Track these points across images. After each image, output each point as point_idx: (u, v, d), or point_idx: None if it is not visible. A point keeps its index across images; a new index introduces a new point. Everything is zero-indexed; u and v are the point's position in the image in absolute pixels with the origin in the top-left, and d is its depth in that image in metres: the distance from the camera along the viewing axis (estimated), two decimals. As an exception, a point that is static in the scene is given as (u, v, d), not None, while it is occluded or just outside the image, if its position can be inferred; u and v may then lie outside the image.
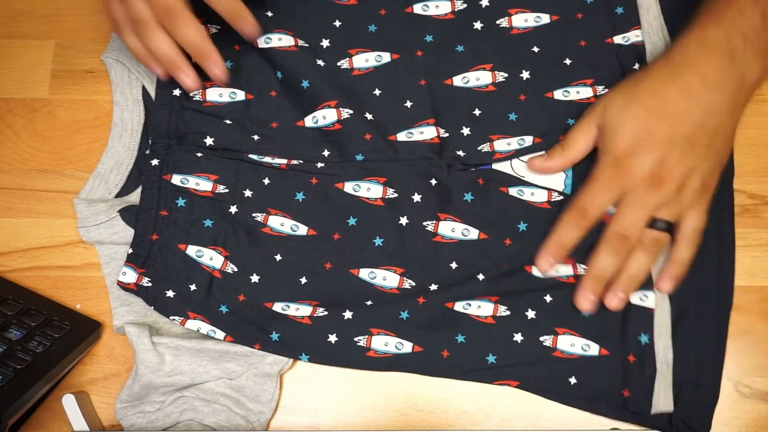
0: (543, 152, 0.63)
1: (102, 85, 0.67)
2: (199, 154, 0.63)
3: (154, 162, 0.63)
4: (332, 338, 0.60)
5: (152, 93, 0.65)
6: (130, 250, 0.61)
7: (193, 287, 0.60)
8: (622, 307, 0.58)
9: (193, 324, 0.60)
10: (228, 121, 0.64)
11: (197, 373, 0.59)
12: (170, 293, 0.60)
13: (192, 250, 0.61)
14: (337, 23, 0.66)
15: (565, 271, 0.61)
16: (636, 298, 0.60)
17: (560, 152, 0.61)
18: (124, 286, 0.60)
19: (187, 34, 0.58)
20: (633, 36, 0.65)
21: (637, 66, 0.64)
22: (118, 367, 0.62)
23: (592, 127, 0.60)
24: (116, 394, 0.61)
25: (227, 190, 0.62)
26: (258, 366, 0.59)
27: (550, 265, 0.59)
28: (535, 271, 0.61)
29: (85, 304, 0.63)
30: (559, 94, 0.64)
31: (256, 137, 0.63)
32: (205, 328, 0.60)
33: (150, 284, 0.60)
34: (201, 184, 0.62)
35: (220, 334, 0.59)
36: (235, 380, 0.59)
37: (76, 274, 0.63)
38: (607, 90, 0.63)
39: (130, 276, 0.60)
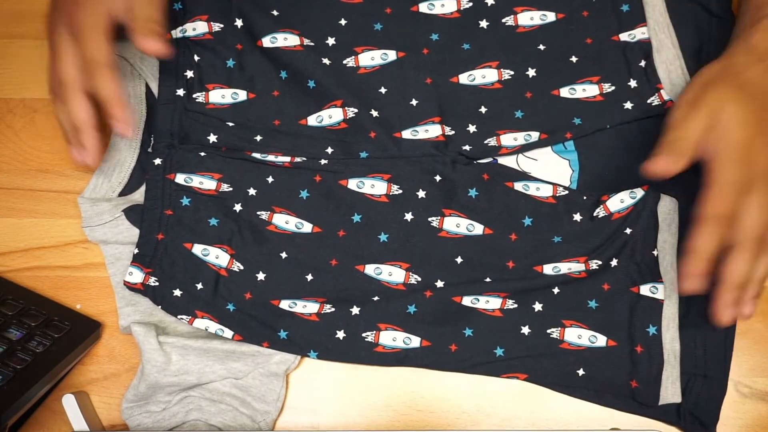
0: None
1: (102, 85, 0.67)
2: (203, 153, 0.63)
3: (157, 161, 0.62)
4: (340, 335, 0.60)
5: (155, 90, 0.65)
6: (136, 250, 0.61)
7: (200, 286, 0.60)
8: (753, 312, 0.55)
9: (201, 323, 0.60)
10: (230, 124, 0.64)
11: (203, 372, 0.59)
12: (177, 292, 0.60)
13: (198, 249, 0.61)
14: (343, 22, 0.66)
15: (577, 269, 0.61)
16: (646, 290, 0.60)
17: (678, 154, 0.56)
18: (130, 287, 0.60)
19: (101, 83, 0.55)
20: (639, 33, 0.65)
21: (643, 63, 0.64)
22: (118, 367, 0.62)
23: (700, 120, 0.55)
24: (116, 394, 0.61)
25: (231, 189, 0.62)
26: (264, 365, 0.59)
27: (698, 284, 0.54)
28: (546, 270, 0.61)
29: (85, 304, 0.63)
30: (565, 92, 0.64)
31: (258, 138, 0.63)
32: (213, 326, 0.60)
33: (157, 284, 0.60)
34: (205, 182, 0.62)
35: (228, 333, 0.60)
36: (241, 380, 0.59)
37: (76, 274, 0.63)
38: (613, 87, 0.64)
39: (137, 276, 0.60)
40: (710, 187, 0.54)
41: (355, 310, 0.60)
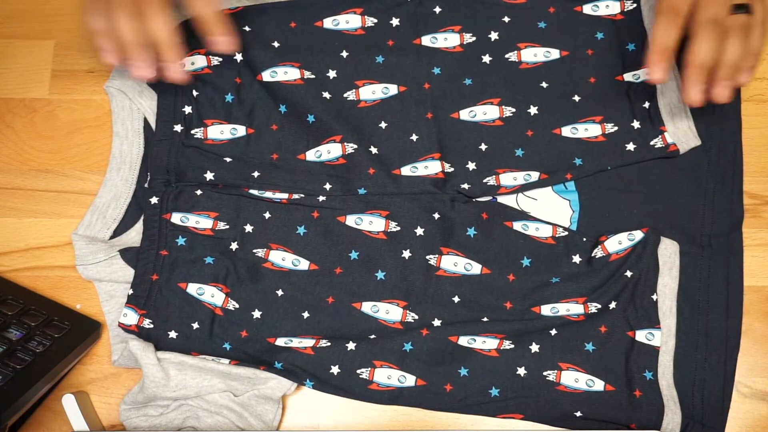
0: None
1: (102, 86, 0.67)
2: (199, 192, 0.62)
3: (154, 200, 0.62)
4: (334, 370, 0.60)
5: (153, 125, 0.64)
6: (131, 291, 0.61)
7: (195, 326, 0.60)
8: (732, 96, 0.58)
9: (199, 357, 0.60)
10: (228, 159, 0.63)
11: (202, 386, 0.59)
12: (173, 334, 0.60)
13: (193, 288, 0.61)
14: (345, 54, 0.65)
15: (576, 310, 0.61)
16: (642, 336, 0.60)
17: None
18: (125, 328, 0.60)
19: (155, 27, 0.56)
20: (643, 74, 0.63)
21: (647, 104, 0.63)
22: (119, 368, 0.62)
23: None
24: (116, 394, 0.61)
25: (227, 227, 0.62)
26: (260, 389, 0.59)
27: (665, 71, 0.57)
28: (543, 311, 0.61)
29: (85, 304, 0.63)
30: (566, 131, 0.63)
31: (256, 174, 0.63)
32: (209, 359, 0.60)
33: (151, 326, 0.60)
34: (201, 222, 0.62)
35: (225, 361, 0.60)
36: (238, 397, 0.59)
37: (76, 274, 0.63)
38: (616, 128, 0.63)
39: (131, 318, 0.60)
40: None
41: (351, 346, 0.60)
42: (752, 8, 0.58)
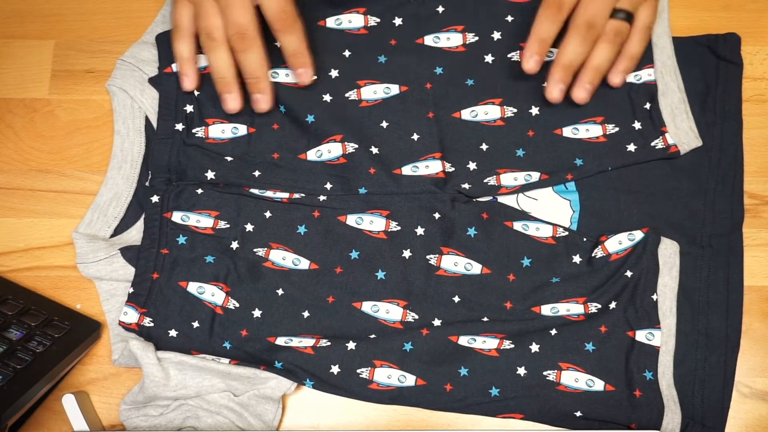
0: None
1: (102, 86, 0.67)
2: (200, 191, 0.62)
3: (155, 199, 0.62)
4: (334, 369, 0.60)
5: (155, 123, 0.64)
6: (131, 290, 0.61)
7: (195, 324, 0.60)
8: (588, 98, 0.61)
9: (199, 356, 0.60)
10: (229, 158, 0.63)
11: (202, 386, 0.59)
12: (173, 333, 0.60)
13: (193, 287, 0.61)
14: (347, 53, 0.65)
15: (576, 310, 0.61)
16: (642, 336, 0.60)
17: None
18: (125, 326, 0.60)
19: (252, 60, 0.60)
20: (645, 75, 0.63)
21: (648, 105, 0.63)
22: (119, 367, 0.62)
23: None
24: (116, 394, 0.61)
25: (228, 226, 0.62)
26: (260, 388, 0.59)
27: (537, 63, 0.60)
28: (544, 311, 0.61)
29: (85, 304, 0.63)
30: (568, 132, 0.63)
31: (257, 173, 0.63)
32: (209, 358, 0.60)
33: (152, 324, 0.60)
34: (202, 221, 0.62)
35: (225, 361, 0.60)
36: (238, 396, 0.59)
37: (76, 274, 0.63)
38: (617, 129, 0.63)
39: (132, 316, 0.60)
40: None
41: (351, 345, 0.60)
42: (632, 15, 0.60)
